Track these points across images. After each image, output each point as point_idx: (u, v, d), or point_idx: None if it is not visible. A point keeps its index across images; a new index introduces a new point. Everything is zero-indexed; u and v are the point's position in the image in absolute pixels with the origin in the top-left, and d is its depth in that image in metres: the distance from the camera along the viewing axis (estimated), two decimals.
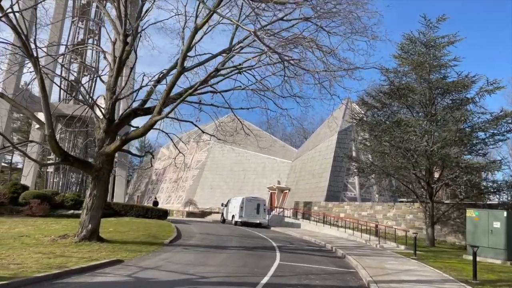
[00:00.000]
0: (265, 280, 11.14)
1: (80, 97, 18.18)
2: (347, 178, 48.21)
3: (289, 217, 40.19)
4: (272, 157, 61.95)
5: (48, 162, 32.35)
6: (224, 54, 17.56)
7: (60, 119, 37.84)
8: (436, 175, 25.20)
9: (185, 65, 17.63)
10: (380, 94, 25.25)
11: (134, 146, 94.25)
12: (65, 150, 36.65)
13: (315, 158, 52.27)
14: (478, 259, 19.25)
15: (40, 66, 13.23)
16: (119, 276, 10.61)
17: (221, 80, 16.71)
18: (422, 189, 24.75)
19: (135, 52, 16.71)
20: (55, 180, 43.23)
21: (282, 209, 44.55)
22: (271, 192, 55.19)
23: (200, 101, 18.72)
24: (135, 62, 17.04)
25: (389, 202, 33.20)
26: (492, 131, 23.23)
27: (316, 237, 26.23)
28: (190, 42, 14.80)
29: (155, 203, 39.41)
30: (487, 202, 24.83)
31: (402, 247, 22.83)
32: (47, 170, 44.16)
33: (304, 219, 37.61)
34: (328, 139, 51.35)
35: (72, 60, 36.18)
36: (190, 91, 15.46)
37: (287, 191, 54.93)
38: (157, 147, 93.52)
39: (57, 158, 16.33)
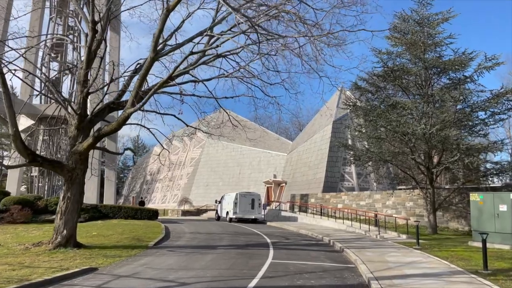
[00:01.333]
0: (253, 283, 9.90)
1: (57, 95, 16.78)
2: (344, 168, 47.04)
3: (286, 210, 39.01)
4: (267, 150, 60.75)
5: (14, 164, 31.22)
6: (204, 43, 16.22)
7: (43, 121, 36.37)
8: (435, 159, 23.99)
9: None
10: (374, 77, 23.95)
11: (127, 145, 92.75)
12: (38, 151, 35.21)
13: (310, 149, 51.07)
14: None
15: None
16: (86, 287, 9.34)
17: (199, 64, 15.34)
18: (422, 175, 23.53)
19: (105, 41, 15.35)
20: (40, 184, 41.80)
21: (278, 203, 43.39)
22: (267, 187, 54.07)
23: (182, 92, 17.40)
24: (104, 51, 15.69)
25: (388, 190, 32.01)
26: (492, 109, 21.99)
27: (313, 230, 25.02)
28: (162, 24, 13.45)
29: (141, 203, 38.15)
30: (490, 185, 23.63)
31: (404, 236, 21.65)
32: (31, 174, 42.69)
33: (301, 212, 36.42)
34: (323, 129, 50.15)
35: (51, 59, 34.72)
36: (166, 77, 14.12)
37: (283, 184, 53.81)
38: (151, 147, 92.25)
39: (26, 160, 15.00)
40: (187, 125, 19.79)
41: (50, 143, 31.67)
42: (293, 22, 12.75)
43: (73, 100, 17.00)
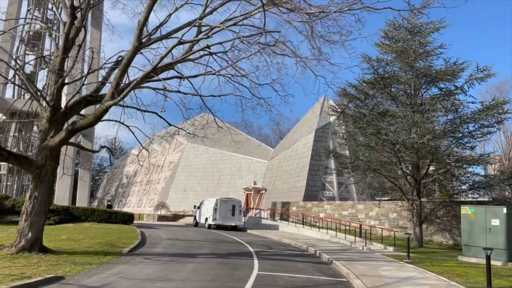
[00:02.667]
0: None
1: (29, 84, 15.38)
2: (325, 177, 46.49)
3: (266, 218, 37.95)
4: (248, 157, 59.77)
5: None
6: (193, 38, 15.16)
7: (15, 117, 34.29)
8: (422, 170, 23.43)
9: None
10: (363, 84, 23.31)
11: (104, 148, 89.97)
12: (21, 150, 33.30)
13: (292, 157, 50.36)
14: (474, 260, 17.49)
15: None
16: None
17: (187, 55, 14.23)
18: (409, 186, 22.92)
19: (85, 28, 14.13)
20: (8, 183, 39.53)
21: (258, 210, 42.32)
22: (247, 193, 53.00)
23: (165, 87, 16.26)
24: (83, 39, 14.44)
25: (372, 201, 31.41)
26: (482, 122, 21.60)
27: (296, 239, 24.07)
28: (148, 10, 12.36)
29: (109, 206, 36.38)
30: (477, 199, 23.20)
31: (391, 248, 20.93)
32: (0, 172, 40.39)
33: (283, 220, 35.44)
34: (305, 137, 49.55)
35: (26, 52, 32.96)
36: (151, 68, 13.00)
37: (263, 191, 52.88)
38: (129, 149, 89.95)
39: None
40: (170, 124, 18.64)
41: (21, 140, 29.82)
42: (296, 10, 11.81)
43: (46, 92, 15.64)
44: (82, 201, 42.87)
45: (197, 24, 12.45)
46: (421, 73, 21.84)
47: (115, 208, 67.04)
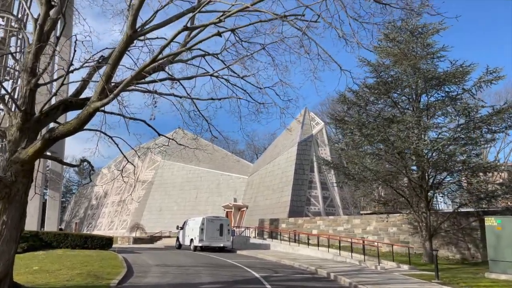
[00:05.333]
0: None
1: None
2: (310, 192, 44.82)
3: (255, 237, 35.67)
4: (227, 173, 57.51)
5: None
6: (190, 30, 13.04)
7: None
8: (430, 180, 21.95)
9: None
10: (365, 89, 21.79)
11: (71, 168, 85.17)
12: None
13: (274, 172, 48.48)
14: (504, 277, 15.91)
15: None
16: None
17: (194, 45, 12.11)
18: (415, 197, 21.34)
19: (63, 16, 11.80)
20: None
21: (244, 229, 39.94)
22: (227, 211, 50.63)
23: (156, 91, 14.03)
24: (62, 29, 12.10)
25: (370, 215, 29.75)
26: (490, 127, 20.39)
27: (296, 260, 21.95)
28: None
29: (60, 230, 33.17)
30: (488, 208, 21.85)
31: (405, 266, 19.12)
32: None
33: (273, 239, 33.22)
34: (287, 150, 47.87)
35: None
36: (149, 60, 10.80)
37: (244, 209, 50.67)
38: (97, 169, 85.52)
39: None
40: (160, 134, 16.29)
41: None
42: None
43: (16, 96, 13.12)
44: (51, 225, 39.12)
45: (205, 1, 10.40)
46: (428, 76, 20.50)
47: (84, 231, 62.93)
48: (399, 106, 22.27)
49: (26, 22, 27.22)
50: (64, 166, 49.04)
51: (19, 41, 32.84)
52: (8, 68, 31.71)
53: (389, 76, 21.89)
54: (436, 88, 21.49)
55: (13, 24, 29.55)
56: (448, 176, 21.13)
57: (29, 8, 16.44)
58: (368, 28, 11.05)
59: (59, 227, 36.85)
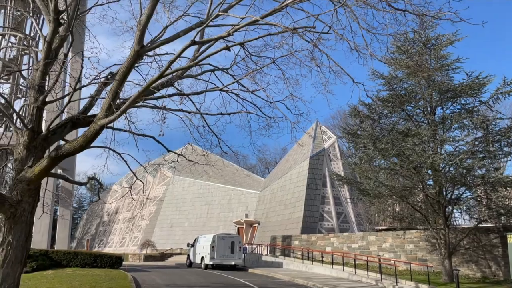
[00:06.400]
0: None
1: None
2: (323, 207, 44.06)
3: (267, 254, 34.97)
4: (238, 188, 56.94)
5: None
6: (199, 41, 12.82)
7: None
8: (447, 196, 21.24)
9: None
10: (378, 102, 21.34)
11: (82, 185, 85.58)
12: None
13: (285, 186, 47.85)
14: None
15: None
16: None
17: (203, 59, 11.81)
18: (435, 213, 20.62)
19: (71, 33, 11.68)
20: None
21: (256, 246, 39.25)
22: (238, 227, 49.99)
23: (165, 106, 13.79)
24: (70, 46, 11.95)
25: (386, 231, 28.94)
26: (511, 140, 19.71)
27: (310, 279, 21.28)
28: (152, 7, 10.04)
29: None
30: (503, 224, 21.02)
31: (425, 286, 18.37)
32: None
33: (286, 256, 32.49)
34: (299, 165, 47.29)
35: (1, 81, 30.10)
36: (158, 75, 10.52)
37: (256, 225, 49.94)
38: (108, 186, 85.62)
39: None
40: (169, 150, 16.03)
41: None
42: None
43: (24, 115, 12.95)
44: (62, 243, 38.92)
45: (215, 13, 10.15)
46: (443, 88, 19.99)
47: (96, 249, 62.64)
48: (413, 119, 21.74)
49: (38, 40, 27.53)
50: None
51: (31, 60, 33.21)
52: (20, 87, 31.99)
53: (403, 89, 21.43)
54: (451, 101, 20.94)
55: (25, 42, 29.95)
56: (466, 191, 20.42)
57: (38, 25, 16.51)
58: (382, 39, 10.70)
59: (71, 245, 36.67)
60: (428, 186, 20.42)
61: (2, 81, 33.33)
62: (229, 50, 10.50)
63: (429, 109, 21.73)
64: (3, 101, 13.93)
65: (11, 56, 33.66)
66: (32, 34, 31.70)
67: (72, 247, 65.86)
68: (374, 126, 22.37)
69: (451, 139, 19.47)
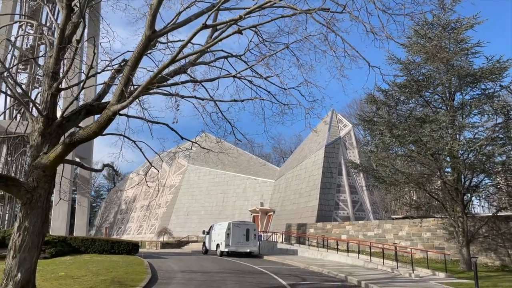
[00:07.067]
0: None
1: (13, 87, 12.77)
2: (338, 196, 43.77)
3: (282, 242, 35.01)
4: (253, 177, 56.99)
5: None
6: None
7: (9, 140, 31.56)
8: (466, 183, 20.78)
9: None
10: (395, 88, 20.89)
11: (100, 173, 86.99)
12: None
13: (301, 175, 47.66)
14: None
15: None
16: None
17: (215, 43, 11.65)
18: (453, 201, 20.22)
19: (84, 20, 11.65)
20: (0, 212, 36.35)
21: (271, 234, 39.33)
22: (253, 215, 50.16)
23: (178, 93, 13.71)
24: (82, 32, 11.96)
25: (403, 219, 28.60)
26: None
27: (325, 266, 21.20)
28: None
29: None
30: None
31: (442, 274, 18.09)
32: None
33: (300, 244, 32.47)
34: (314, 154, 46.98)
35: (19, 71, 30.50)
36: (169, 60, 10.43)
37: (271, 213, 50.00)
38: (125, 174, 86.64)
39: None
40: (182, 138, 15.98)
41: (11, 164, 26.91)
42: None
43: (38, 101, 13.03)
44: (80, 230, 39.64)
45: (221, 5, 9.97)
46: (462, 73, 19.44)
47: (114, 236, 63.68)
48: (431, 105, 21.25)
49: (54, 30, 27.72)
50: (93, 172, 49.80)
51: (47, 49, 33.49)
52: (37, 76, 32.39)
53: (420, 74, 20.92)
54: (471, 86, 20.38)
55: (39, 31, 30.22)
56: (485, 178, 19.96)
57: (53, 14, 16.59)
58: (398, 20, 10.36)
59: (90, 232, 37.34)
60: (446, 173, 20.02)
61: (20, 70, 33.89)
62: (241, 34, 10.31)
63: (447, 94, 21.21)
64: (19, 90, 14.09)
65: (28, 46, 34.09)
66: (48, 24, 31.95)
67: (91, 234, 67.12)
68: (391, 112, 21.96)
69: (470, 125, 19.00)
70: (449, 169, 20.64)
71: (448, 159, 19.19)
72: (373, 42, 11.23)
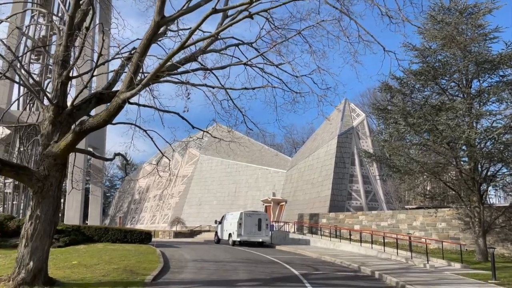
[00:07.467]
0: None
1: (24, 76, 12.73)
2: (351, 186, 43.37)
3: (294, 232, 34.88)
4: (265, 167, 56.85)
5: None
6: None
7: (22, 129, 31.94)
8: (483, 172, 20.32)
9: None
10: (410, 76, 20.40)
11: (114, 163, 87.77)
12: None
13: (313, 165, 47.31)
14: None
15: None
16: None
17: (222, 29, 11.42)
18: (469, 190, 19.79)
19: (93, 7, 11.51)
20: (15, 202, 36.82)
21: (283, 224, 39.22)
22: (266, 205, 50.07)
23: (188, 81, 13.54)
24: (91, 20, 11.79)
25: (417, 209, 28.23)
26: None
27: (337, 256, 21.01)
28: None
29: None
30: None
31: (457, 265, 17.76)
32: (5, 191, 37.68)
33: (313, 234, 32.30)
34: (326, 143, 46.55)
35: (32, 61, 30.67)
36: (178, 46, 10.25)
37: (283, 203, 49.88)
38: (139, 164, 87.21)
39: None
40: (194, 127, 15.86)
41: (27, 154, 27.19)
42: None
43: (48, 89, 13.02)
44: (94, 220, 40.07)
45: None
46: (480, 59, 18.88)
47: (128, 226, 64.32)
48: (447, 93, 20.74)
49: (66, 21, 27.70)
50: (106, 162, 50.20)
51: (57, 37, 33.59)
52: (49, 67, 32.57)
53: (437, 61, 20.39)
54: (489, 72, 19.80)
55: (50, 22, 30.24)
56: (503, 168, 19.46)
57: (63, 3, 16.48)
58: (415, 2, 9.99)
59: (104, 221, 37.73)
60: (462, 163, 19.59)
61: (33, 61, 34.10)
62: (252, 18, 10.08)
63: (464, 81, 20.66)
64: (30, 80, 14.04)
65: (40, 36, 34.23)
66: (60, 14, 31.99)
67: (105, 224, 67.87)
68: (406, 100, 21.48)
69: (488, 113, 18.49)
70: (465, 158, 20.20)
71: (464, 148, 18.77)
72: (388, 27, 10.91)
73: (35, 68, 34.47)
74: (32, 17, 33.74)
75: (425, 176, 20.86)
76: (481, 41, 20.50)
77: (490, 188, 21.33)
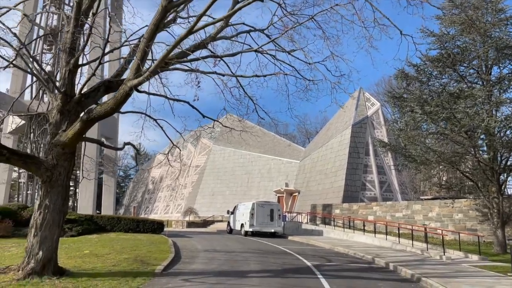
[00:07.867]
0: None
1: (32, 64, 12.60)
2: (365, 176, 42.77)
3: (307, 222, 34.60)
4: (278, 157, 56.53)
5: None
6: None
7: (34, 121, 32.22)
8: (502, 162, 19.67)
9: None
10: (427, 63, 19.77)
11: (128, 153, 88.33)
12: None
13: (326, 156, 46.78)
14: None
15: None
16: None
17: (233, 13, 11.08)
18: (488, 180, 19.20)
19: None
20: (29, 192, 37.23)
21: (295, 214, 38.97)
22: (278, 196, 49.86)
23: (198, 69, 13.23)
24: (99, 4, 11.54)
25: (432, 200, 27.64)
26: None
27: (351, 247, 20.68)
28: None
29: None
30: None
31: (475, 257, 17.29)
32: (20, 181, 38.09)
33: (326, 225, 31.98)
34: (340, 133, 45.92)
35: (44, 51, 30.71)
36: (187, 30, 9.94)
37: (296, 194, 49.59)
38: (152, 155, 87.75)
39: None
40: (204, 116, 15.57)
41: (38, 144, 27.28)
42: None
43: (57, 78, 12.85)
44: (107, 209, 40.32)
45: None
46: (500, 45, 18.16)
47: (142, 215, 64.86)
48: (466, 80, 20.05)
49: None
50: (120, 152, 50.36)
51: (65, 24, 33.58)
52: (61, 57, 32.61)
53: (455, 47, 19.70)
54: (509, 59, 19.07)
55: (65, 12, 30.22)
56: None
57: None
58: None
59: (119, 211, 37.88)
60: (481, 152, 18.99)
61: (45, 51, 34.19)
62: (262, 1, 9.67)
63: (484, 68, 19.95)
64: (42, 71, 13.87)
65: (52, 26, 34.24)
66: (71, 4, 31.94)
67: (120, 213, 68.58)
68: (422, 88, 20.85)
69: (508, 100, 17.83)
70: (484, 148, 19.58)
71: (483, 136, 18.17)
72: (405, 9, 10.43)
73: (48, 58, 34.56)
74: (44, 6, 33.72)
75: (442, 166, 20.28)
76: (502, 26, 19.73)
77: (509, 178, 20.69)
